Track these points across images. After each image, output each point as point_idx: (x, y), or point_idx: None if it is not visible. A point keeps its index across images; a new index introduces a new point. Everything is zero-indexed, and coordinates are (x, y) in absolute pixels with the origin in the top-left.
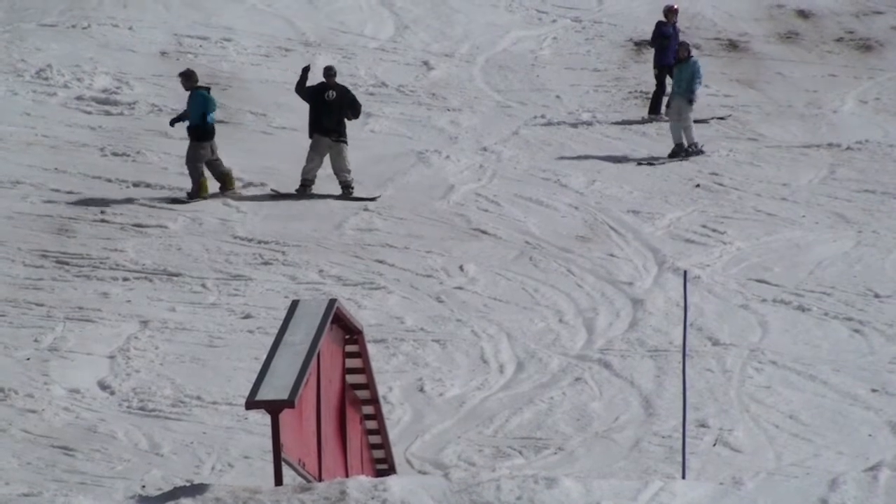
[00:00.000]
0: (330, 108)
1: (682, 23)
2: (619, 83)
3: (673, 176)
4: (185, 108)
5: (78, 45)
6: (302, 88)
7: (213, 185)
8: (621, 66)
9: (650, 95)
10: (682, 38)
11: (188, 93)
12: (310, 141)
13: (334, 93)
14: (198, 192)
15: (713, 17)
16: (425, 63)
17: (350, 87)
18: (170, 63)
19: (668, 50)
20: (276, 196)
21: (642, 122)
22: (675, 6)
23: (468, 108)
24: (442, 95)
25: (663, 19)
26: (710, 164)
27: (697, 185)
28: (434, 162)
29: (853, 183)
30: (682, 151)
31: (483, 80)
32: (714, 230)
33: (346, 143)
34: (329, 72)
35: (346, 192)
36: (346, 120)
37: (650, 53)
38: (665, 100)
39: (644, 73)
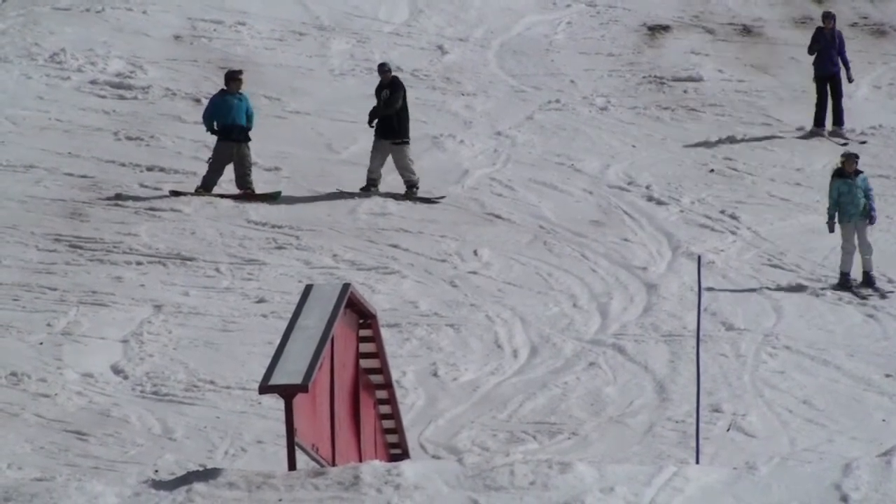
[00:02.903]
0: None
1: (695, 7)
2: (633, 68)
3: (687, 161)
4: (209, 111)
5: (92, 28)
6: (373, 116)
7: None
8: (636, 51)
9: (655, 79)
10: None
11: (226, 94)
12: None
13: (388, 91)
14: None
15: (728, 1)
16: (440, 47)
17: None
18: (184, 47)
19: (827, 58)
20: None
21: (808, 136)
22: (832, 11)
23: (482, 93)
24: (456, 80)
25: (821, 24)
26: (724, 148)
27: (712, 170)
28: (448, 146)
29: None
30: (849, 283)
31: (497, 64)
32: (728, 215)
33: (407, 143)
34: (382, 69)
35: (410, 192)
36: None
37: (664, 38)
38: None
39: (658, 58)
